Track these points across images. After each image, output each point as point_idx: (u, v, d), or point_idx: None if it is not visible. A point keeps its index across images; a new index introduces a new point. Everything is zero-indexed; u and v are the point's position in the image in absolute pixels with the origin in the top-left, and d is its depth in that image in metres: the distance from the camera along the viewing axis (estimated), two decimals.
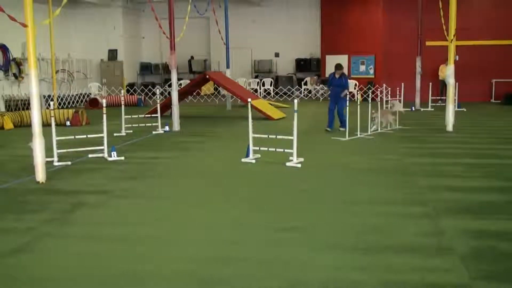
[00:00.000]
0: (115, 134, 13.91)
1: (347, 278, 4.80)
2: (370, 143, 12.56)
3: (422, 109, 20.35)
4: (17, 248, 5.74)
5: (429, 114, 18.97)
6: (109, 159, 10.64)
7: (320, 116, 18.53)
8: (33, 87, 8.68)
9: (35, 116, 8.69)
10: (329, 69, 26.73)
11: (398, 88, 17.19)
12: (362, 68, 26.01)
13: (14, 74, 22.24)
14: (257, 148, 10.40)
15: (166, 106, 17.45)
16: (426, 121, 16.93)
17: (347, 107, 13.48)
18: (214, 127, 16.06)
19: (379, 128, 14.04)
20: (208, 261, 5.27)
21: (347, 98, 13.77)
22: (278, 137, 10.27)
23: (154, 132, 14.77)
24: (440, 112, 16.58)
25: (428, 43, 23.03)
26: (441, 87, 21.84)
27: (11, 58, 22.02)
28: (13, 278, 4.97)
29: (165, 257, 5.42)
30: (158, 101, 15.78)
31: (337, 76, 14.54)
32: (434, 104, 20.70)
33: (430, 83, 20.58)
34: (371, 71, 25.70)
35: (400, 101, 16.39)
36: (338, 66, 14.63)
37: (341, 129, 14.09)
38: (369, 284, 4.65)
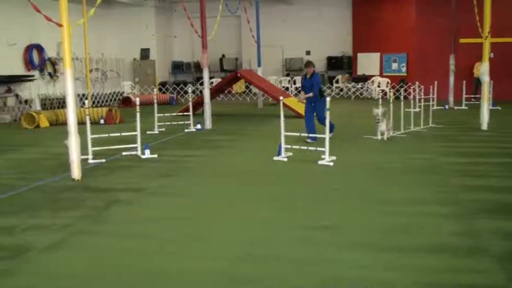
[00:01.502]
0: (148, 132, 14.06)
1: (379, 277, 4.78)
2: (403, 141, 12.45)
3: (455, 108, 20.08)
4: (53, 244, 5.86)
5: (463, 113, 18.71)
6: (143, 157, 10.77)
7: (352, 114, 18.44)
8: (68, 86, 8.83)
9: (71, 114, 8.84)
10: (361, 67, 26.68)
11: (431, 86, 17.00)
12: (395, 66, 25.76)
13: (50, 74, 22.64)
14: (289, 146, 10.41)
15: (198, 104, 17.56)
16: (459, 119, 16.70)
17: (328, 110, 10.28)
18: (246, 125, 16.10)
19: (389, 133, 12.62)
20: (239, 259, 5.30)
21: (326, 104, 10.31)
22: (311, 135, 10.26)
23: (186, 130, 14.89)
24: (474, 110, 16.34)
25: (462, 40, 22.67)
26: (475, 85, 21.50)
27: (46, 57, 22.41)
28: (49, 274, 5.08)
29: (197, 255, 5.47)
30: (190, 99, 15.90)
31: (308, 76, 12.55)
32: (468, 102, 20.41)
33: (464, 81, 20.29)
34: (404, 69, 25.43)
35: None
36: (306, 64, 12.81)
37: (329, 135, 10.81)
38: (400, 284, 4.62)
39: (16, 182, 8.96)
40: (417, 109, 15.38)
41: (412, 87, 18.12)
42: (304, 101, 12.62)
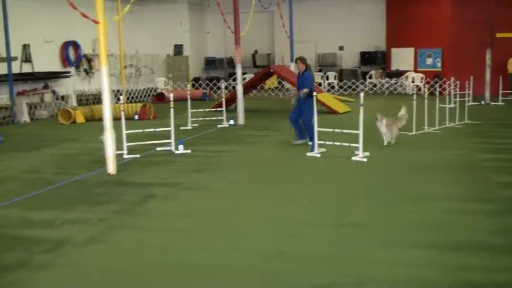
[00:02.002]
0: (181, 128, 14.17)
1: (413, 275, 4.74)
2: (438, 137, 12.29)
3: (492, 103, 19.73)
4: (90, 238, 5.96)
5: (499, 109, 18.39)
6: (176, 152, 10.86)
7: (386, 110, 18.26)
8: (104, 82, 8.95)
9: (106, 110, 8.96)
10: (395, 62, 26.38)
11: (467, 82, 16.75)
12: (429, 61, 25.42)
13: (85, 70, 22.97)
14: (322, 142, 10.38)
15: (231, 100, 17.62)
16: (496, 115, 16.42)
17: (314, 115, 10.42)
18: (278, 121, 16.07)
19: (391, 140, 11.31)
20: (271, 255, 5.32)
21: (313, 105, 10.50)
22: (344, 131, 10.21)
23: (219, 126, 14.95)
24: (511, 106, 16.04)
25: (498, 35, 22.26)
26: (510, 82, 21.09)
27: (82, 54, 22.74)
28: (86, 267, 5.18)
29: (229, 250, 5.51)
30: (223, 95, 15.96)
31: (300, 73, 11.57)
32: (505, 98, 20.03)
33: (501, 77, 19.91)
34: (438, 64, 25.09)
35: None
36: (296, 59, 11.89)
37: (309, 143, 10.97)
38: (436, 282, 4.58)
39: (54, 176, 9.13)
40: (452, 105, 15.15)
41: (447, 83, 17.87)
42: (293, 100, 12.15)
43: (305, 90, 10.95)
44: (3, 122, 16.60)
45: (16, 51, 18.84)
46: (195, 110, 15.40)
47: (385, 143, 11.17)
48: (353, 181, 8.37)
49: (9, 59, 17.24)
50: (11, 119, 17.10)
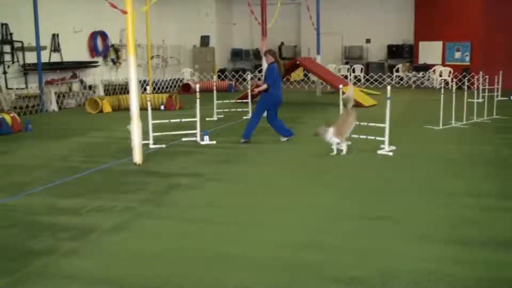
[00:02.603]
0: (207, 119, 14.22)
1: (439, 271, 4.69)
2: (465, 132, 12.15)
3: None
4: (116, 226, 6.04)
5: None
6: (202, 143, 10.91)
7: (412, 104, 18.13)
8: (131, 73, 9.01)
9: (134, 100, 9.03)
10: (422, 55, 26.10)
11: (496, 76, 16.50)
12: (458, 55, 25.10)
13: (112, 60, 23.18)
14: (348, 135, 10.32)
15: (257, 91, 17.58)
16: None
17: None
18: (304, 113, 16.06)
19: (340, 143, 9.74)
20: (298, 247, 5.33)
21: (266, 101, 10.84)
22: (370, 124, 10.15)
23: (244, 117, 14.95)
24: None
25: None
26: None
27: (110, 44, 22.93)
28: (113, 254, 5.25)
29: (255, 241, 5.52)
30: (249, 87, 15.96)
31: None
32: None
33: None
34: (467, 58, 24.75)
35: None
36: (266, 53, 11.26)
37: (282, 139, 11.16)
38: (462, 279, 4.54)
39: (81, 165, 9.25)
40: (480, 100, 14.97)
41: (475, 77, 17.63)
42: (255, 91, 11.73)
43: (264, 86, 10.79)
44: (32, 111, 16.83)
45: (45, 41, 19.07)
46: (220, 102, 15.43)
47: (344, 151, 9.64)
48: (379, 174, 8.32)
49: (38, 49, 17.46)
50: (39, 107, 17.33)
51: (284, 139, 11.31)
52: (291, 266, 4.84)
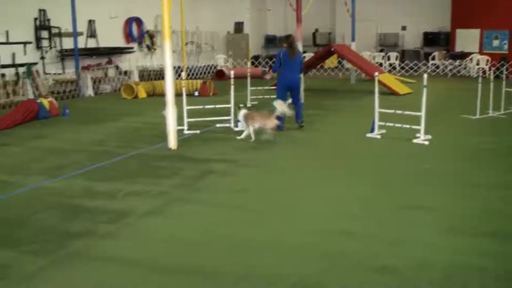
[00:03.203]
0: (240, 105, 14.20)
1: (472, 263, 4.64)
2: (503, 122, 11.92)
3: None
4: (151, 210, 6.12)
5: None
6: (235, 129, 10.94)
7: (448, 93, 17.86)
8: (167, 59, 9.07)
9: (169, 86, 9.10)
10: (459, 43, 25.63)
11: None
12: (496, 43, 24.57)
13: (147, 46, 23.32)
14: (383, 123, 10.24)
15: None
16: None
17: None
18: (338, 100, 15.96)
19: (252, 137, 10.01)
20: (331, 234, 5.33)
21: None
22: (406, 112, 10.03)
23: None
24: None
25: None
26: None
27: (145, 30, 23.08)
28: (148, 237, 5.33)
29: (289, 228, 5.53)
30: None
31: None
32: None
33: None
34: (505, 47, 24.19)
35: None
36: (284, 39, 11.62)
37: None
38: (494, 271, 4.48)
39: (117, 149, 9.38)
40: None
41: None
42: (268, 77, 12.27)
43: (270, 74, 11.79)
44: (68, 96, 17.09)
45: (82, 27, 19.30)
46: (254, 88, 15.44)
47: (242, 136, 10.01)
48: (414, 164, 8.23)
49: (75, 34, 17.70)
50: (76, 92, 17.59)
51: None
52: (325, 254, 4.84)
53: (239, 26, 29.18)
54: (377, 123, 10.25)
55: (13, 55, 16.75)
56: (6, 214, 6.06)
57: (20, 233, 5.48)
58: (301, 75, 11.02)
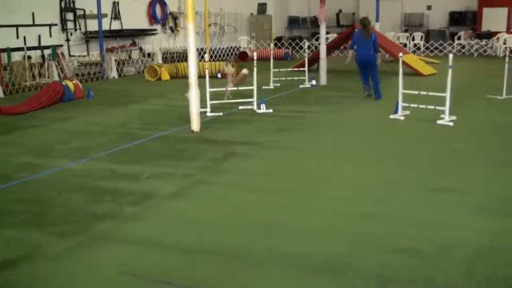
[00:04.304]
0: (263, 87, 14.22)
1: (499, 243, 4.61)
2: None
3: None
4: (175, 192, 6.17)
5: None
6: (258, 111, 10.95)
7: (474, 73, 17.61)
8: (190, 40, 9.07)
9: (192, 68, 9.11)
10: (486, 23, 25.19)
11: None
12: None
13: (171, 28, 23.33)
14: (407, 104, 10.15)
15: (313, 60, 17.46)
16: None
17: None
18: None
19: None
20: (356, 217, 5.32)
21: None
22: (430, 93, 9.92)
23: (301, 86, 14.91)
24: None
25: None
26: None
27: (168, 12, 23.09)
28: (172, 220, 5.38)
29: (312, 210, 5.54)
30: (306, 55, 15.83)
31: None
32: None
33: None
34: None
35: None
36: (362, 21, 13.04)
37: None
38: None
39: (140, 131, 9.46)
40: None
41: None
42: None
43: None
44: (93, 78, 17.22)
45: (106, 9, 19.36)
46: (277, 70, 15.40)
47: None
48: (439, 145, 8.17)
49: (99, 16, 17.78)
50: (100, 74, 17.72)
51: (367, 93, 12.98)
52: (349, 236, 4.84)
53: (262, 7, 29.01)
54: (401, 104, 10.17)
55: (39, 37, 16.91)
56: (33, 195, 6.16)
57: (46, 214, 5.57)
58: (376, 54, 12.82)
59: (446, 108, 9.55)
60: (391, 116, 10.11)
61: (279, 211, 5.53)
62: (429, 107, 9.88)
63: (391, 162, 7.27)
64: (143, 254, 4.59)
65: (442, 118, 9.58)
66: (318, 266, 4.26)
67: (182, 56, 21.24)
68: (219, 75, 16.96)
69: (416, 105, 10.07)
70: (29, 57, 16.20)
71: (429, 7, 28.23)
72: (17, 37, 16.19)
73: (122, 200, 5.90)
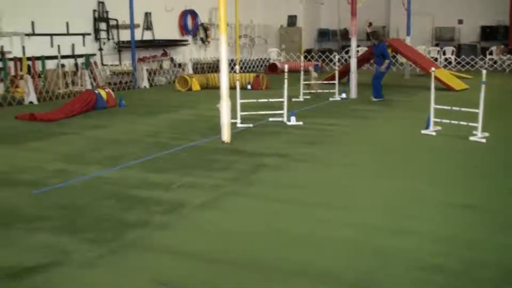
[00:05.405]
0: (293, 99, 14.23)
1: None
2: None
3: None
4: (205, 202, 6.19)
5: None
6: (288, 123, 10.95)
7: (506, 89, 17.37)
8: (222, 52, 9.12)
9: (224, 79, 9.16)
10: None
11: None
12: None
13: (202, 39, 23.54)
14: (438, 120, 10.06)
15: (343, 73, 17.43)
16: None
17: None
18: (392, 96, 15.73)
19: None
20: (385, 231, 5.27)
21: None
22: (463, 109, 9.81)
23: (331, 99, 14.89)
24: None
25: None
26: None
27: (199, 23, 23.30)
28: (201, 229, 5.40)
29: (341, 224, 5.50)
30: (336, 67, 15.81)
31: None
32: None
33: None
34: None
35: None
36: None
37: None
38: None
39: (171, 141, 9.53)
40: None
41: None
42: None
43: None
44: (125, 87, 17.44)
45: (138, 19, 19.64)
46: (306, 83, 15.40)
47: None
48: (471, 161, 8.07)
49: (132, 27, 18.03)
50: (132, 84, 17.93)
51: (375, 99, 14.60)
52: (378, 251, 4.80)
53: (292, 20, 29.11)
54: (432, 119, 10.08)
55: (73, 46, 17.22)
56: (65, 202, 6.25)
57: (78, 220, 5.64)
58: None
59: (479, 125, 9.43)
60: (423, 131, 10.02)
61: (308, 224, 5.51)
62: (461, 123, 9.77)
63: (421, 177, 7.20)
64: (173, 263, 4.62)
65: (475, 135, 9.46)
66: (348, 282, 4.23)
67: (212, 67, 21.39)
68: (248, 87, 17.05)
69: (448, 121, 9.97)
70: (63, 65, 16.49)
71: (460, 21, 28.02)
72: (52, 46, 16.52)
73: (153, 209, 5.94)
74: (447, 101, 11.40)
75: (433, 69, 10.34)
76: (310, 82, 15.97)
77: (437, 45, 27.64)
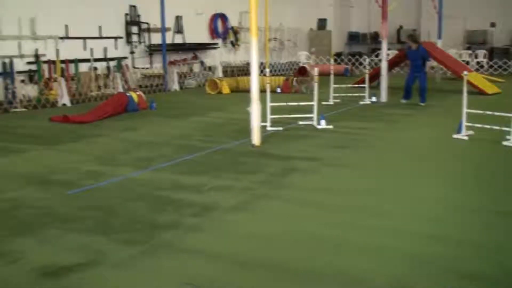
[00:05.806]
0: (323, 103, 14.21)
1: None
2: None
3: None
4: (236, 205, 6.23)
5: None
6: (318, 127, 10.94)
7: None
8: (253, 55, 9.17)
9: (254, 82, 9.20)
10: None
11: None
12: None
13: (231, 42, 23.64)
14: (470, 124, 9.95)
15: (373, 76, 17.34)
16: None
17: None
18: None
19: None
20: (417, 237, 5.22)
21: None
22: (496, 113, 9.69)
23: (361, 103, 14.83)
24: None
25: None
26: None
27: (229, 26, 23.41)
28: (233, 233, 5.42)
29: (373, 229, 5.47)
30: (366, 71, 15.74)
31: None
32: None
33: None
34: None
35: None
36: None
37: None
38: None
39: (201, 144, 9.60)
40: None
41: None
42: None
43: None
44: (155, 90, 17.62)
45: (169, 22, 19.82)
46: (337, 86, 15.37)
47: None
48: (505, 167, 7.96)
49: (163, 30, 18.22)
50: (162, 87, 18.10)
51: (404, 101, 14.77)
52: (409, 257, 4.76)
53: (322, 23, 29.06)
54: (464, 123, 9.97)
55: (105, 49, 17.46)
56: (98, 202, 6.35)
57: (111, 221, 5.73)
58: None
59: None
60: (454, 136, 9.91)
61: (339, 228, 5.50)
62: (494, 127, 9.65)
63: (453, 183, 7.13)
64: (204, 265, 4.65)
65: (508, 140, 9.33)
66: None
67: (242, 70, 21.47)
68: (278, 90, 17.07)
69: (480, 125, 9.85)
70: (95, 68, 16.74)
71: (492, 24, 27.64)
72: (84, 49, 16.77)
73: (184, 211, 6.00)
74: (479, 105, 11.26)
75: (465, 72, 10.23)
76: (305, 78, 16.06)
77: (468, 48, 27.30)
